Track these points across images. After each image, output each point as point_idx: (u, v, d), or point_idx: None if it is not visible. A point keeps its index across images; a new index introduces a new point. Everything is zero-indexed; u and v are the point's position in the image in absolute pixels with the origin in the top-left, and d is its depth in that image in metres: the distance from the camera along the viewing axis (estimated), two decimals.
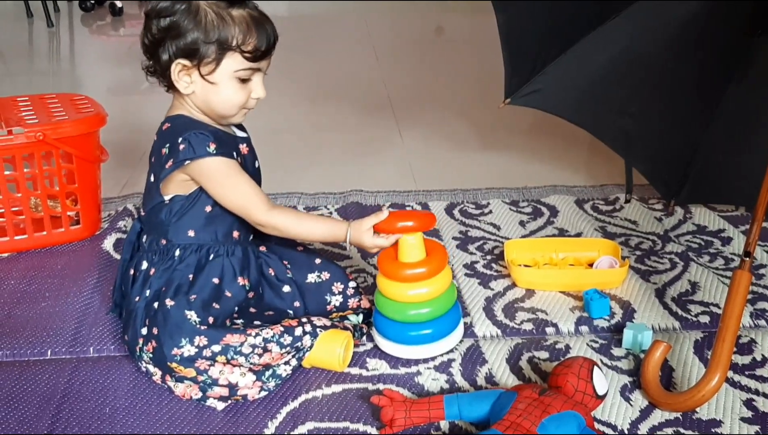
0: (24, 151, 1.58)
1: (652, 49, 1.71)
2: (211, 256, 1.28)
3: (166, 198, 1.27)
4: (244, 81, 1.25)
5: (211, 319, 1.22)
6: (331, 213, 1.82)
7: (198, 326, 1.19)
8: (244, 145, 1.33)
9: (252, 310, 1.31)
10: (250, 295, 1.31)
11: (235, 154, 1.27)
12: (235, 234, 1.31)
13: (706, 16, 1.65)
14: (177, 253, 1.27)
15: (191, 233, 1.28)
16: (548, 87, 1.75)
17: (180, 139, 1.22)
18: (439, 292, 1.28)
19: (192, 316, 1.20)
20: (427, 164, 2.17)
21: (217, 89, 1.24)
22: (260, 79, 1.27)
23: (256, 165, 1.36)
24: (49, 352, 1.31)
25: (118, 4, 3.98)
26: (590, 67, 1.74)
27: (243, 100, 1.26)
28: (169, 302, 1.21)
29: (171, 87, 1.27)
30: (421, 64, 3.32)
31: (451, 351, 1.31)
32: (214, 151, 1.22)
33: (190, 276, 1.25)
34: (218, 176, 1.23)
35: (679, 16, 1.66)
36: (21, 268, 1.58)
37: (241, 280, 1.29)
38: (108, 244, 1.68)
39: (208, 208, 1.27)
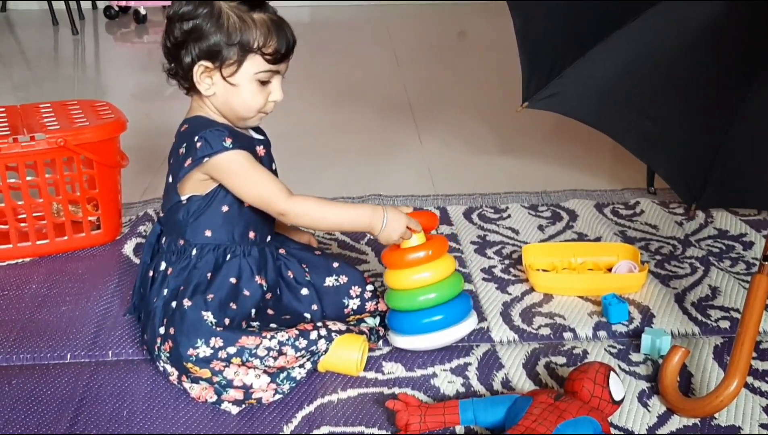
0: (46, 156, 1.60)
1: (671, 52, 1.70)
2: (228, 257, 1.29)
3: (183, 198, 1.28)
4: (263, 83, 1.27)
5: (227, 321, 1.22)
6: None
7: (214, 327, 1.20)
8: (261, 147, 1.34)
9: (270, 311, 1.32)
10: (268, 296, 1.31)
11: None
12: (252, 235, 1.32)
13: (726, 19, 1.64)
14: (194, 252, 1.28)
15: (208, 233, 1.29)
16: (566, 90, 1.75)
17: (197, 138, 1.23)
18: (443, 275, 1.29)
19: (209, 317, 1.20)
20: (445, 168, 2.17)
21: (238, 91, 1.25)
22: (278, 82, 1.29)
23: (273, 167, 1.37)
24: (68, 356, 1.32)
25: (142, 11, 4.03)
26: (609, 71, 1.73)
27: (262, 102, 1.28)
28: (186, 302, 1.22)
29: (191, 89, 1.28)
30: (442, 68, 3.32)
31: (468, 355, 1.31)
32: (231, 145, 1.23)
33: (208, 274, 1.26)
34: (236, 169, 1.24)
35: (699, 19, 1.65)
36: (42, 273, 1.59)
37: (258, 279, 1.29)
38: (128, 248, 1.69)
39: (225, 208, 1.28)
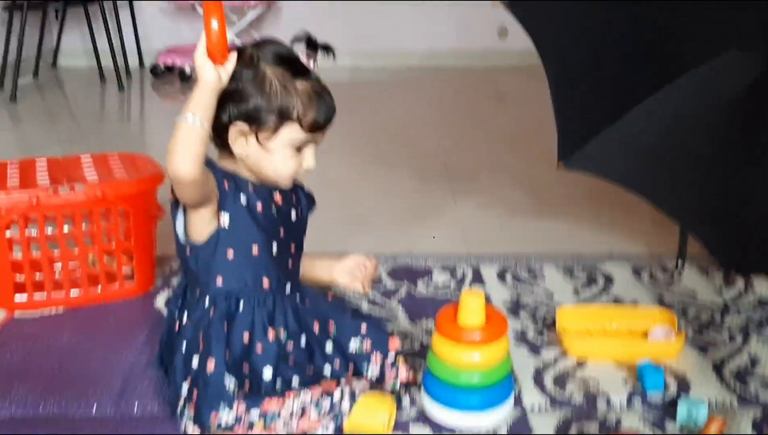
0: (84, 207, 1.62)
1: (710, 116, 1.68)
2: (241, 305, 1.28)
3: (185, 242, 1.29)
4: (297, 150, 1.27)
5: (247, 383, 1.21)
6: (380, 274, 1.82)
7: (236, 392, 1.18)
8: (277, 192, 1.32)
9: (291, 361, 1.29)
10: (289, 346, 1.29)
11: (260, 203, 1.28)
12: (266, 283, 1.30)
13: (765, 80, 1.62)
14: (206, 302, 1.28)
15: (219, 281, 1.28)
16: (603, 152, 1.73)
17: None
18: (494, 361, 1.26)
19: (230, 383, 1.19)
20: (480, 229, 2.15)
21: (271, 156, 1.26)
22: (313, 150, 1.29)
23: (293, 217, 1.35)
24: (94, 408, 1.32)
25: (187, 70, 4.12)
26: (646, 134, 1.72)
27: (294, 169, 1.28)
28: (210, 366, 1.21)
29: (223, 147, 1.28)
30: (479, 130, 3.33)
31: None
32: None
33: (225, 327, 1.25)
34: None
35: (737, 82, 1.64)
36: (74, 323, 1.60)
37: (271, 333, 1.28)
38: (160, 301, 1.70)
39: (230, 254, 1.27)
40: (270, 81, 1.23)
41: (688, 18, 1.64)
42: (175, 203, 1.29)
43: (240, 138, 1.25)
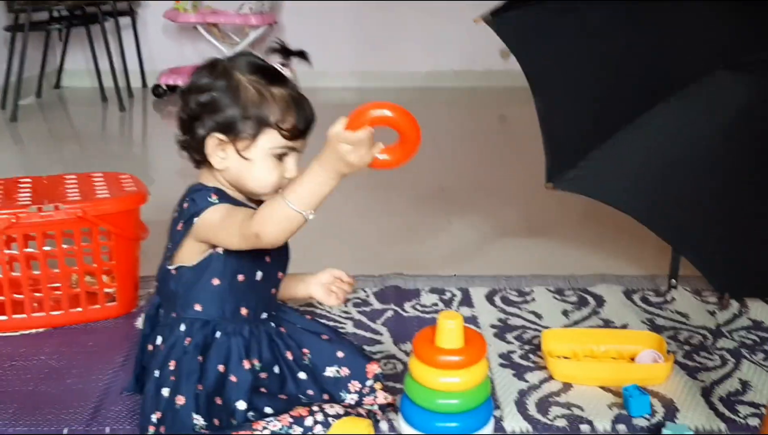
0: (64, 227, 1.60)
1: (702, 136, 1.65)
2: (218, 334, 1.25)
3: (173, 267, 1.26)
4: (279, 159, 1.24)
5: (216, 421, 1.18)
6: (368, 296, 1.79)
7: (203, 431, 1.16)
8: None
9: (262, 389, 1.26)
10: (263, 375, 1.26)
11: None
12: (244, 311, 1.28)
13: (759, 101, 1.59)
14: (182, 327, 1.25)
15: (198, 307, 1.26)
16: (592, 172, 1.70)
17: (185, 200, 1.23)
18: (472, 385, 1.22)
19: (199, 420, 1.17)
20: (472, 250, 2.13)
21: (252, 166, 1.23)
22: (295, 158, 1.26)
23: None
24: (65, 430, 1.29)
25: None
26: (637, 154, 1.68)
27: (276, 178, 1.25)
28: (179, 401, 1.18)
29: (203, 162, 1.26)
30: (479, 150, 3.31)
31: None
32: (217, 201, 1.21)
33: (200, 358, 1.22)
34: (216, 218, 1.19)
35: (730, 102, 1.61)
36: (52, 344, 1.58)
37: (246, 364, 1.25)
38: (141, 322, 1.67)
39: (216, 282, 1.25)
40: (245, 88, 1.21)
41: (678, 37, 1.62)
42: (184, 231, 1.25)
43: (218, 150, 1.23)
